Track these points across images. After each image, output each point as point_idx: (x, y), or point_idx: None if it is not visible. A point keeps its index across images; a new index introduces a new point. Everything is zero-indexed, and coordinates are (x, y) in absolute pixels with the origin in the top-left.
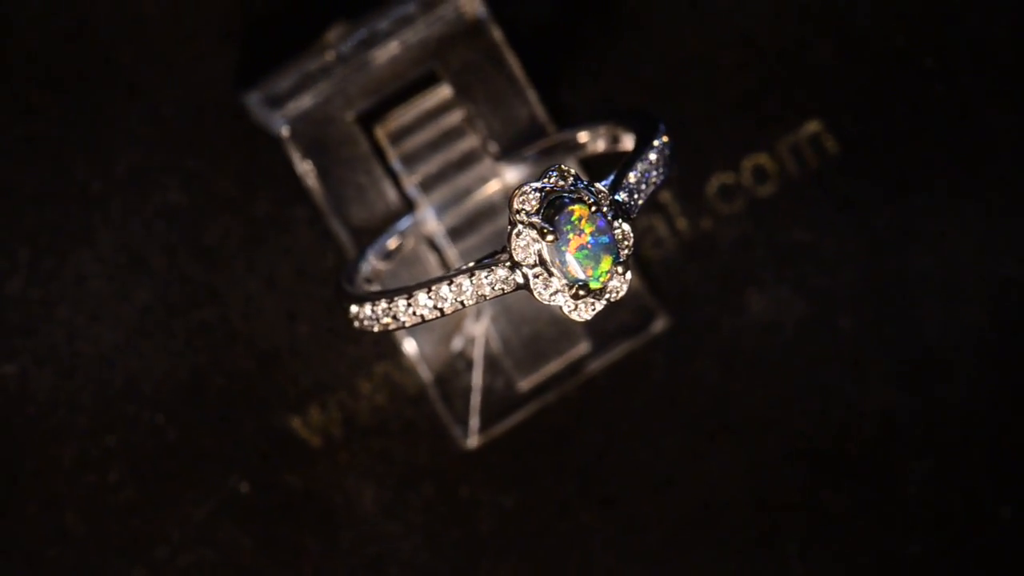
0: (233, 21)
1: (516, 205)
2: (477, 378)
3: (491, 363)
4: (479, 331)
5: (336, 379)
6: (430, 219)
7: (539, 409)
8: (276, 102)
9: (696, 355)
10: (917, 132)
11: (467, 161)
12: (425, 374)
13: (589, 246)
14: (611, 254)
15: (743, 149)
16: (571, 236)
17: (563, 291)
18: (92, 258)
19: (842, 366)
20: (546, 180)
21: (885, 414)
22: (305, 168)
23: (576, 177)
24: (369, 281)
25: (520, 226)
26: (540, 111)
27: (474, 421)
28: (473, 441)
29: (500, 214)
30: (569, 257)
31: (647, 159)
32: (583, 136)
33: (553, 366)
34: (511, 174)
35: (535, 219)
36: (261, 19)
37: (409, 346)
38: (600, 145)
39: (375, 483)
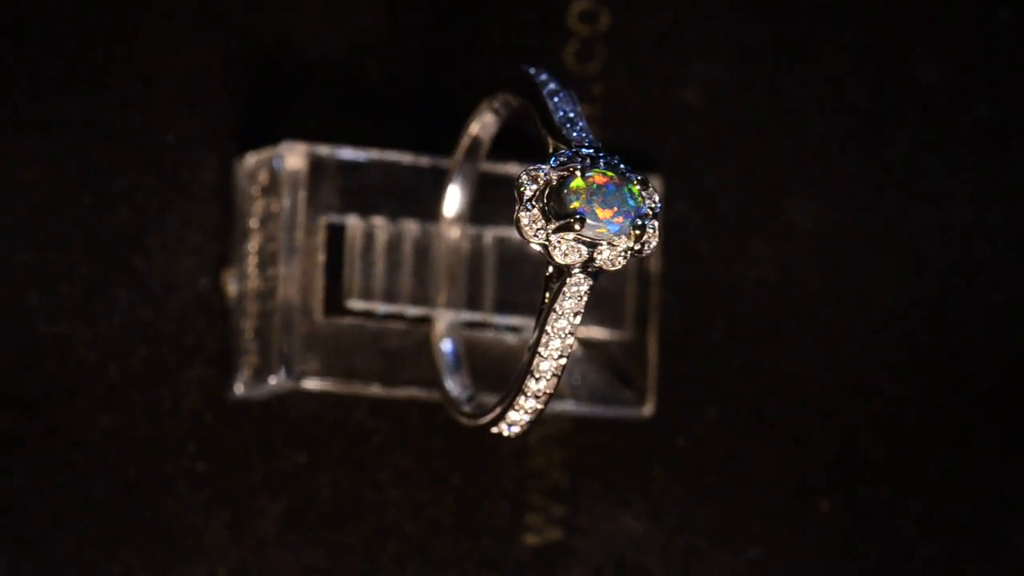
0: (154, 353)
1: (527, 231)
2: (597, 372)
3: (595, 346)
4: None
5: (515, 480)
6: (446, 315)
7: (658, 338)
8: (261, 374)
9: (704, 180)
10: None
11: (421, 250)
12: (567, 406)
13: (612, 196)
14: (630, 181)
15: (560, 6)
16: (593, 204)
17: (626, 242)
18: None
19: (818, 82)
20: (526, 192)
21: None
22: (329, 385)
23: (540, 166)
24: (472, 398)
25: (548, 240)
26: (414, 159)
27: (631, 395)
28: (648, 408)
29: (486, 256)
30: (607, 219)
31: (553, 102)
32: (474, 128)
33: (631, 297)
34: (455, 208)
35: (554, 224)
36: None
37: None
38: (492, 125)
39: (626, 509)
